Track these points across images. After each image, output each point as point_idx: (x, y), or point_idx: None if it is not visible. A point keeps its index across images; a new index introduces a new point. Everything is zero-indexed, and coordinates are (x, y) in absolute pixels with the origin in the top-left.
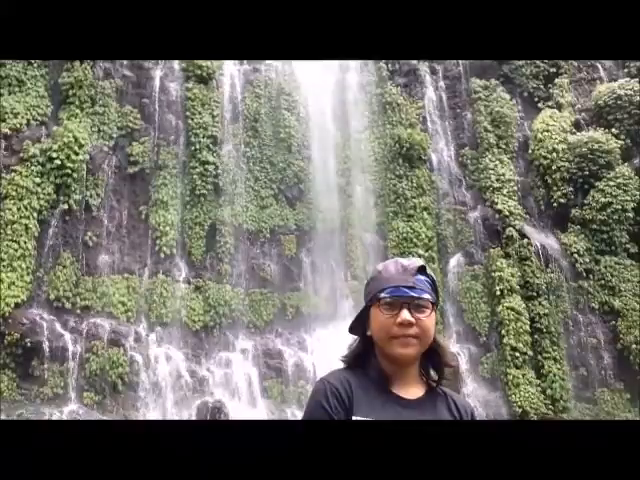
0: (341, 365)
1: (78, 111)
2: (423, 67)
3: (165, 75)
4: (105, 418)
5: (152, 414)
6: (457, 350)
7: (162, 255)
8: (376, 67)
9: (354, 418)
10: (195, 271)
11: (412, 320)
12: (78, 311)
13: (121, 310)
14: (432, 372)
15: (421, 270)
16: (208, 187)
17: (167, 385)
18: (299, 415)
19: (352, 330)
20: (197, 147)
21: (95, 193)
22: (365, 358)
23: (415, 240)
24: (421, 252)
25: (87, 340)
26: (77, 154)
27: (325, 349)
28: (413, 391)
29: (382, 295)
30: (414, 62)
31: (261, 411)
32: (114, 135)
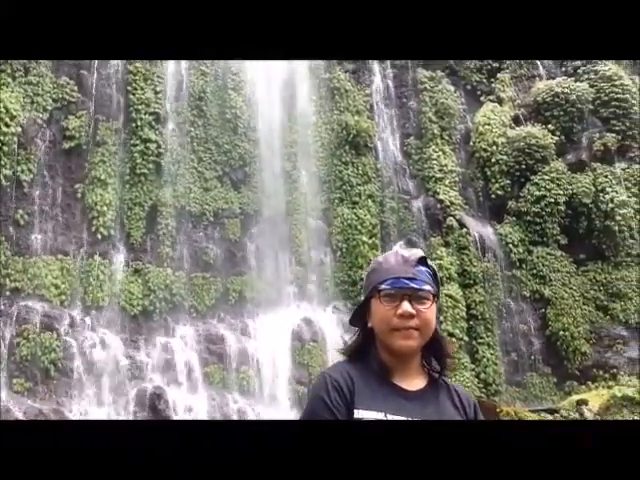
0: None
1: (10, 80)
2: None
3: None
4: (36, 405)
5: (86, 401)
6: None
7: (99, 236)
8: None
9: (356, 411)
10: (134, 253)
11: (413, 312)
12: (7, 293)
13: (54, 293)
14: (434, 363)
15: (422, 261)
16: (149, 166)
17: (103, 371)
18: (240, 400)
19: (352, 322)
20: (138, 124)
21: (27, 168)
22: (366, 350)
23: (359, 227)
24: (365, 239)
25: (17, 324)
26: (8, 126)
27: (268, 334)
28: (415, 382)
29: (382, 287)
30: None
31: (202, 397)
32: (49, 107)
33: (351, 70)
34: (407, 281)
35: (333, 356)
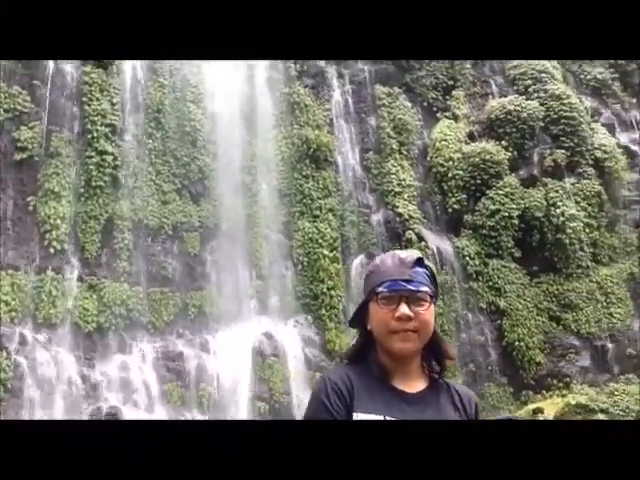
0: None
1: None
2: (331, 70)
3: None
4: None
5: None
6: None
7: (52, 250)
8: (285, 66)
9: (355, 414)
10: (89, 268)
11: (410, 314)
12: None
13: (4, 310)
14: (434, 364)
15: (419, 262)
16: (105, 179)
17: (56, 391)
18: (199, 418)
19: (352, 324)
20: (94, 135)
21: None
22: (366, 353)
23: (320, 240)
24: (326, 252)
25: None
26: None
27: (229, 350)
28: (415, 384)
29: (380, 289)
30: (322, 64)
31: (159, 416)
32: (0, 118)
33: (310, 85)
34: (404, 283)
35: (294, 370)
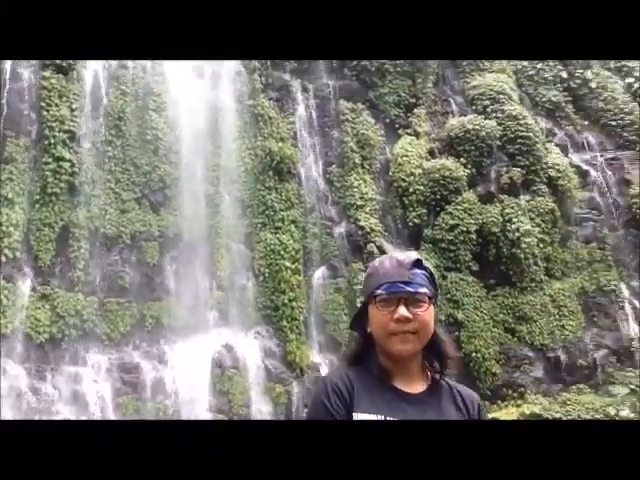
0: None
1: None
2: (295, 84)
3: (19, 60)
4: None
5: None
6: (319, 361)
7: (3, 258)
8: (250, 78)
9: (355, 414)
10: (42, 277)
11: (409, 316)
12: None
13: None
14: (435, 365)
15: (417, 264)
16: (62, 186)
17: (4, 404)
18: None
19: (353, 327)
20: (51, 141)
21: None
22: (366, 355)
23: (282, 252)
24: (288, 264)
25: None
26: None
27: (187, 362)
28: (416, 385)
29: (378, 292)
30: (287, 78)
31: None
32: None
33: (275, 98)
34: (402, 285)
35: (255, 382)
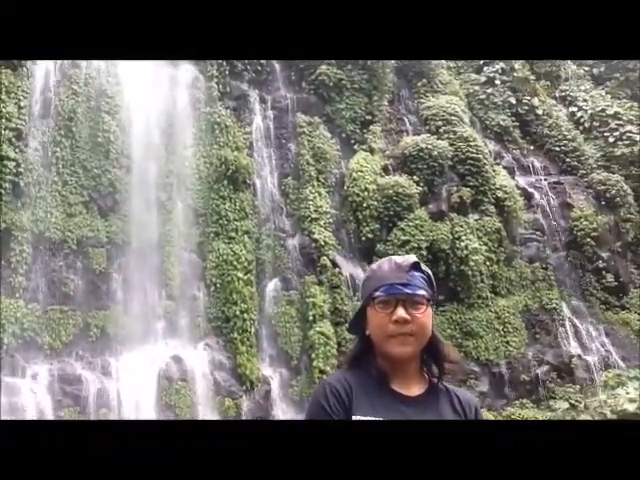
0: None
1: None
2: (253, 94)
3: None
4: None
5: None
6: (270, 374)
7: None
8: (207, 85)
9: (354, 417)
10: None
11: (407, 317)
12: None
13: None
14: (434, 368)
15: (415, 266)
16: (5, 186)
17: None
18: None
19: (351, 330)
20: None
21: None
22: (365, 358)
23: (235, 262)
24: (240, 275)
25: None
26: None
27: (133, 374)
28: (414, 388)
29: (377, 294)
30: (245, 87)
31: None
32: None
33: (232, 107)
34: (401, 287)
35: (203, 395)
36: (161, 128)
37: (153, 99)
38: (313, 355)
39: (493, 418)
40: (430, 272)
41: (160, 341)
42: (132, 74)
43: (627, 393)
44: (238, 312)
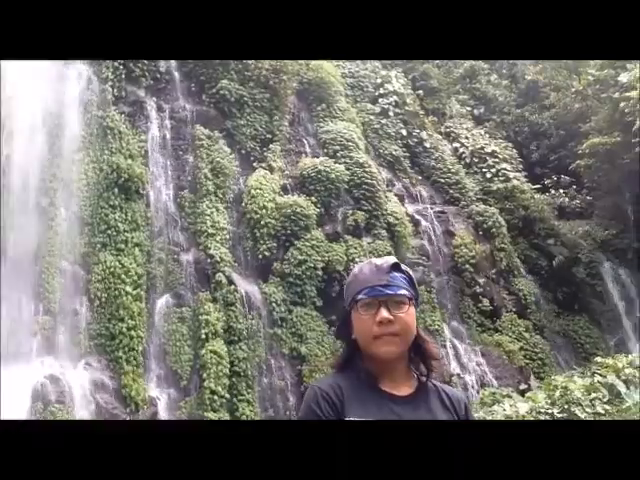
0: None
1: None
2: (150, 102)
3: None
4: None
5: None
6: (157, 395)
7: None
8: (100, 89)
9: (347, 419)
10: None
11: (391, 318)
12: None
13: None
14: (421, 366)
15: (395, 267)
16: None
17: None
18: None
19: (338, 335)
20: None
21: None
22: (353, 361)
23: (123, 276)
24: (128, 289)
25: None
26: None
27: (3, 394)
28: (404, 387)
29: (359, 297)
30: (141, 94)
31: None
32: None
33: (127, 113)
34: (382, 288)
35: (82, 418)
36: (46, 128)
37: (38, 97)
38: (204, 375)
39: None
40: (411, 272)
41: (35, 359)
42: (16, 68)
43: (503, 410)
44: (125, 329)
